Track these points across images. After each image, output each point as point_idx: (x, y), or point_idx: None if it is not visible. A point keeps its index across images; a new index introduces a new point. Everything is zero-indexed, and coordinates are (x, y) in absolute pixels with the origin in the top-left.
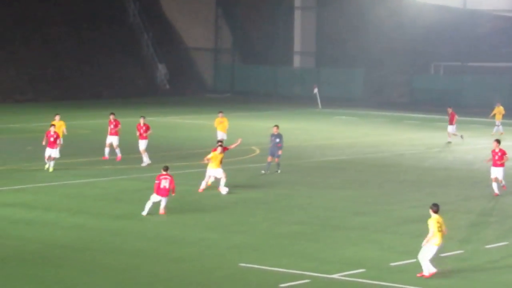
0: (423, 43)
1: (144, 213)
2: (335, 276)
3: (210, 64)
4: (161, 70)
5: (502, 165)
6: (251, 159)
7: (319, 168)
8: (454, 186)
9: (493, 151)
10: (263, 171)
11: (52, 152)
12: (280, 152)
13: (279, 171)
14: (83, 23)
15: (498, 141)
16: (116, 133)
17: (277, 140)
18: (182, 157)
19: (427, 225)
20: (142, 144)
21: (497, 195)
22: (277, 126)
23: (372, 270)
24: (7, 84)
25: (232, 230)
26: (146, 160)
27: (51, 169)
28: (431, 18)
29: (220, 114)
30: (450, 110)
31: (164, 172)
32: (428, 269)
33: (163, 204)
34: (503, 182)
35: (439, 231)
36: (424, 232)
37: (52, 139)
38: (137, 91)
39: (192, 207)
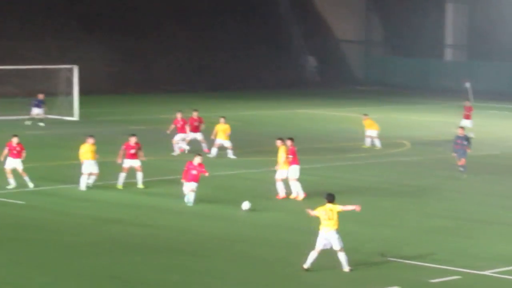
0: None
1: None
2: (487, 272)
3: (360, 56)
4: (311, 62)
5: None
6: (401, 153)
7: (470, 163)
8: None
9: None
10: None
11: (134, 163)
12: (468, 150)
13: (464, 176)
14: (235, 14)
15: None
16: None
17: (465, 142)
18: (331, 150)
19: None
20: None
21: None
22: (462, 127)
23: None
24: (158, 75)
25: (382, 224)
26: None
27: (141, 186)
28: None
29: (364, 117)
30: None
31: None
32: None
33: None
34: None
35: (329, 219)
36: None
37: (133, 151)
38: (287, 83)
39: (341, 201)
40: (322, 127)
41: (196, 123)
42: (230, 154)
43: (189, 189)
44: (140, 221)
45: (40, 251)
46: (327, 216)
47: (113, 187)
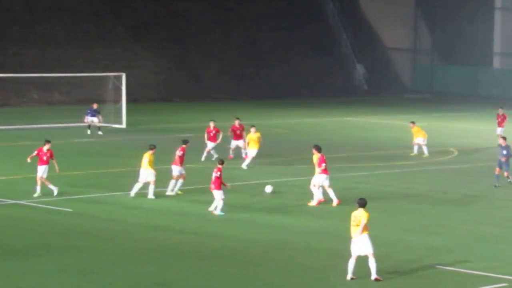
0: None
1: (211, 209)
2: None
3: (409, 64)
4: (359, 70)
5: None
6: (449, 161)
7: None
8: None
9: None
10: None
11: (181, 170)
12: (503, 159)
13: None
14: (283, 22)
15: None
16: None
17: (504, 152)
18: (378, 157)
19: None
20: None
21: None
22: (503, 137)
23: None
24: (207, 83)
25: (429, 231)
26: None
27: (178, 192)
28: None
29: (411, 125)
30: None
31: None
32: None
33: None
34: None
35: (357, 225)
36: None
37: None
38: (335, 91)
39: (389, 208)
40: (370, 135)
41: (238, 131)
42: (245, 164)
43: (220, 197)
44: (188, 228)
45: (87, 258)
46: (355, 222)
47: (161, 194)
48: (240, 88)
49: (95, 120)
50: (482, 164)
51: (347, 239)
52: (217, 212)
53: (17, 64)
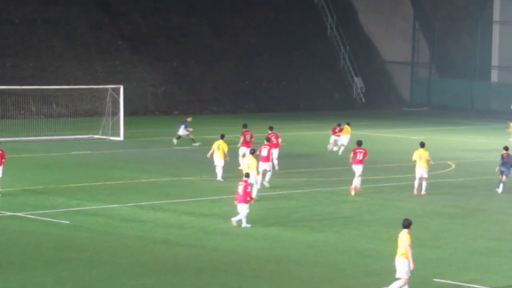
0: None
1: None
2: None
3: (407, 77)
4: (357, 83)
5: None
6: (446, 174)
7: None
8: None
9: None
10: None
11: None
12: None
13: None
14: (280, 36)
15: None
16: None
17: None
18: (376, 170)
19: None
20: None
21: None
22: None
23: None
24: (205, 96)
25: (427, 244)
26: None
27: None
28: None
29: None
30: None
31: (244, 178)
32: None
33: (240, 215)
34: None
35: (398, 246)
36: None
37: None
38: (333, 104)
39: (388, 221)
40: (368, 148)
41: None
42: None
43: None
44: (185, 241)
45: (84, 271)
46: (398, 243)
47: (158, 207)
48: (239, 101)
49: (184, 133)
50: (480, 178)
51: (344, 252)
52: (244, 224)
53: (16, 76)
